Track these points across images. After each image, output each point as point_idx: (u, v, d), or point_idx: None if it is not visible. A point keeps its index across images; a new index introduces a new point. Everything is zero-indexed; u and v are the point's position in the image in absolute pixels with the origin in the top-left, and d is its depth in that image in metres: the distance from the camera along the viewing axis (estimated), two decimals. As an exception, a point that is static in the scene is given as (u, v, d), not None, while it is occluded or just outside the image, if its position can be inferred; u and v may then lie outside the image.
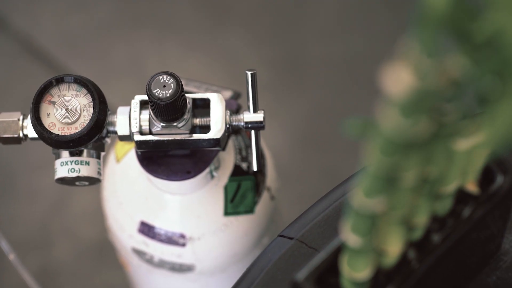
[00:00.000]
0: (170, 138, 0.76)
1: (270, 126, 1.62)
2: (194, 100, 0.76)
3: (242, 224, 0.89)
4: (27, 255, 1.43)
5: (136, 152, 0.80)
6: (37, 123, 0.73)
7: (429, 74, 0.41)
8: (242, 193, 0.88)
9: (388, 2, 1.81)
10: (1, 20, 1.83)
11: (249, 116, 0.77)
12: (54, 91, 0.74)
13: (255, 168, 0.80)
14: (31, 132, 0.75)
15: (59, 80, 0.74)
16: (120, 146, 0.89)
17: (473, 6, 0.41)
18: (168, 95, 0.71)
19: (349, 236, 0.51)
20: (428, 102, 0.42)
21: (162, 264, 0.91)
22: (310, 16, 1.80)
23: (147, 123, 0.75)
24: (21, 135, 0.76)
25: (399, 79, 0.41)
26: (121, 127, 0.76)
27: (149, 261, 0.90)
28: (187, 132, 0.76)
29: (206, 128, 0.77)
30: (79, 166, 0.75)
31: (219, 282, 0.93)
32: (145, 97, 0.75)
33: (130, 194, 0.87)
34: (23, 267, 1.03)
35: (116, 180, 0.88)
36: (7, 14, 1.84)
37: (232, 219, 0.88)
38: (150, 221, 0.87)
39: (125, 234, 0.89)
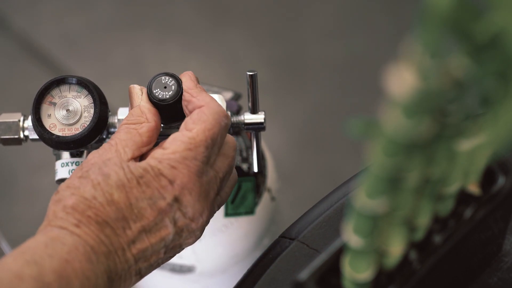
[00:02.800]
0: (171, 139, 0.75)
1: (271, 127, 1.62)
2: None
3: (242, 225, 0.89)
4: (27, 256, 1.42)
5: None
6: (38, 124, 0.73)
7: (432, 75, 0.41)
8: (242, 194, 0.88)
9: (388, 3, 1.81)
10: (1, 20, 1.83)
11: (250, 117, 0.77)
12: (55, 92, 0.74)
13: (255, 169, 0.80)
14: (31, 133, 0.75)
15: (60, 81, 0.74)
16: (121, 147, 0.88)
17: (476, 7, 0.41)
18: (169, 96, 0.71)
19: (351, 237, 0.51)
20: (431, 103, 0.42)
21: (162, 265, 0.91)
22: (310, 17, 1.80)
23: (148, 124, 0.75)
24: (21, 136, 0.76)
25: (402, 80, 0.41)
26: (122, 128, 0.75)
27: (150, 262, 0.90)
28: (188, 133, 0.76)
29: (207, 129, 0.77)
30: (80, 167, 0.75)
31: (219, 283, 0.93)
32: (146, 98, 0.75)
33: (130, 195, 0.87)
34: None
35: (116, 181, 0.88)
36: (8, 14, 1.84)
37: (233, 220, 0.88)
38: (151, 222, 0.87)
39: (125, 235, 0.89)
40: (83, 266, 0.61)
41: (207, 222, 0.68)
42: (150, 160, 0.66)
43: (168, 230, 0.66)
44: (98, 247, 0.63)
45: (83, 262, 0.62)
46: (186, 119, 0.68)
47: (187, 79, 0.71)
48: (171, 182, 0.66)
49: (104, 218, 0.64)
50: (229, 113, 0.77)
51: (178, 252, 0.69)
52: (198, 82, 0.72)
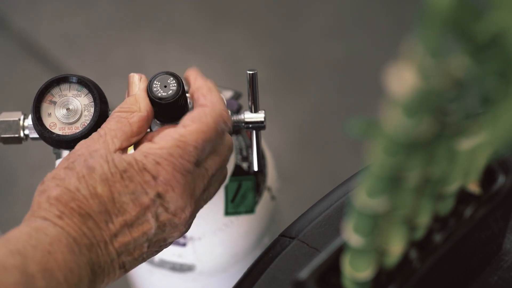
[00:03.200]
0: (171, 138, 0.75)
1: (271, 126, 1.62)
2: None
3: (242, 224, 0.89)
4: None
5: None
6: (38, 123, 0.73)
7: (433, 74, 0.41)
8: (242, 193, 0.88)
9: (388, 3, 1.81)
10: (1, 20, 1.83)
11: (250, 116, 0.77)
12: (55, 91, 0.74)
13: (255, 168, 0.80)
14: (32, 132, 0.75)
15: (60, 80, 0.74)
16: (121, 146, 0.88)
17: (476, 6, 0.41)
18: (168, 95, 0.71)
19: (351, 236, 0.51)
20: (432, 102, 0.42)
21: (162, 264, 0.91)
22: (310, 17, 1.80)
23: (148, 123, 0.75)
24: (22, 135, 0.76)
25: (402, 79, 0.41)
26: (122, 127, 0.75)
27: (150, 260, 0.90)
28: (188, 132, 0.76)
29: (207, 128, 0.77)
30: (80, 166, 0.75)
31: (220, 282, 0.93)
32: (146, 97, 0.75)
33: (130, 194, 0.87)
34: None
35: (116, 180, 0.88)
36: (8, 14, 1.84)
37: (233, 219, 0.88)
38: (151, 221, 0.86)
39: (125, 234, 0.88)
40: (65, 258, 0.62)
41: (191, 217, 0.68)
42: (136, 154, 0.66)
43: (150, 225, 0.66)
44: (80, 239, 0.63)
45: (66, 253, 0.62)
46: (186, 115, 0.68)
47: (196, 78, 0.71)
48: (154, 177, 0.65)
49: (87, 211, 0.64)
50: (229, 112, 0.77)
51: (164, 246, 0.69)
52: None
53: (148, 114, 0.69)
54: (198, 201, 0.68)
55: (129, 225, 0.65)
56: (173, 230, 0.67)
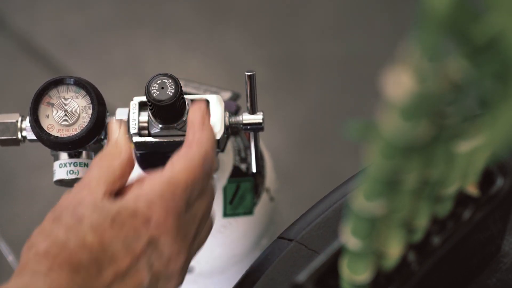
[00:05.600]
0: (169, 140, 0.75)
1: (269, 127, 1.62)
2: (193, 101, 0.76)
3: (241, 225, 0.89)
4: (26, 256, 1.42)
5: (135, 154, 0.80)
6: (36, 125, 0.73)
7: (430, 78, 0.41)
8: (241, 195, 0.87)
9: (388, 2, 1.80)
10: (1, 20, 1.83)
11: (248, 117, 0.77)
12: (53, 92, 0.74)
13: (254, 170, 0.80)
14: (29, 134, 0.75)
15: (58, 82, 0.74)
16: (119, 147, 0.88)
17: (474, 8, 0.41)
18: (167, 96, 0.71)
19: (349, 239, 0.51)
20: (429, 106, 0.42)
21: (161, 266, 0.90)
22: (309, 17, 1.80)
23: (146, 125, 0.75)
24: (19, 137, 0.76)
25: (399, 83, 0.41)
26: (120, 129, 0.75)
27: (148, 262, 0.90)
28: (186, 133, 0.75)
29: (205, 130, 0.76)
30: (78, 168, 0.75)
31: (218, 283, 0.93)
32: (144, 98, 0.75)
33: (129, 195, 0.87)
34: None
35: (115, 182, 0.88)
36: (6, 14, 1.84)
37: (231, 220, 0.88)
38: (149, 222, 0.86)
39: (124, 236, 0.88)
40: None
41: (185, 265, 0.66)
42: (126, 198, 0.64)
43: (143, 276, 0.63)
44: None
45: None
46: (173, 155, 0.66)
47: (196, 109, 0.69)
48: (146, 221, 0.63)
49: (77, 262, 0.61)
50: (227, 113, 0.77)
51: None
52: (208, 105, 0.69)
53: (130, 158, 0.67)
54: (191, 248, 0.66)
55: (120, 277, 0.62)
56: (166, 282, 0.64)
